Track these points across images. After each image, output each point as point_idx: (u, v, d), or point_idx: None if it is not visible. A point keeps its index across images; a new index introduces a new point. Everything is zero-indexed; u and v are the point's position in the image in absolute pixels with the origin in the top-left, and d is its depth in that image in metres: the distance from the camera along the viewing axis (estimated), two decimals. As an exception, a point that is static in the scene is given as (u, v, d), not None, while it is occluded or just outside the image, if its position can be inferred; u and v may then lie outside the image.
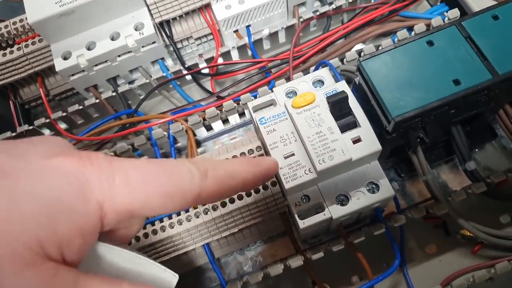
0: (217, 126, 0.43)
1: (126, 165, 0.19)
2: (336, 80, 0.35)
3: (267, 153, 0.34)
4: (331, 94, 0.32)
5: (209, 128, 0.43)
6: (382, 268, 0.37)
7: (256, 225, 0.36)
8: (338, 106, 0.31)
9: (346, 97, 0.31)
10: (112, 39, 0.41)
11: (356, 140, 0.31)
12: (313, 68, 0.39)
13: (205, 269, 0.39)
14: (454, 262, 0.37)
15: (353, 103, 0.32)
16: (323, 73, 0.36)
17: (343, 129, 0.31)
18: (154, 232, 0.34)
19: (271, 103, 0.35)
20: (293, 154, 0.31)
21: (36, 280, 0.16)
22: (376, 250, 0.36)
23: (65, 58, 0.41)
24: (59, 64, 0.41)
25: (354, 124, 0.31)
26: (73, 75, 0.42)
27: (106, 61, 0.42)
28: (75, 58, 0.41)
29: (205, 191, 0.20)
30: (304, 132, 0.30)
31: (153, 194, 0.19)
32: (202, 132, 0.43)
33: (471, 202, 0.36)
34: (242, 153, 0.36)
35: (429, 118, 0.29)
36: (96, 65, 0.42)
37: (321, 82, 0.36)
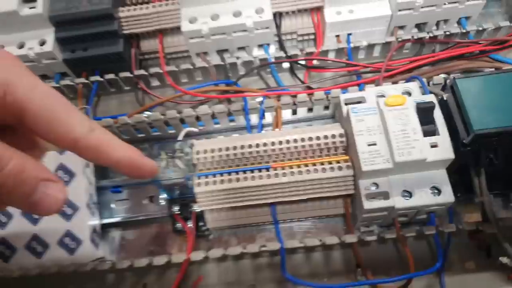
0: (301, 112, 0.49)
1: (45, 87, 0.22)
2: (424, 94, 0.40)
3: (349, 140, 0.39)
4: (420, 102, 0.37)
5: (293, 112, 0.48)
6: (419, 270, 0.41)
7: (319, 199, 0.41)
8: (424, 113, 0.36)
9: (433, 107, 0.36)
10: (234, 15, 0.48)
11: (434, 146, 0.35)
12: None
13: (261, 229, 0.44)
14: (489, 284, 0.40)
15: (437, 115, 0.36)
16: (413, 86, 0.40)
17: (425, 134, 0.35)
18: (237, 179, 0.39)
19: (361, 100, 0.40)
20: (375, 144, 0.36)
21: None
22: (417, 254, 0.39)
23: (190, 22, 0.48)
24: (185, 26, 0.48)
25: (434, 133, 0.36)
26: (192, 38, 0.49)
27: (223, 34, 0.48)
28: (199, 24, 0.47)
29: (83, 140, 0.22)
30: (391, 126, 0.35)
31: (50, 109, 0.21)
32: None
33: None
34: (318, 137, 0.40)
35: (507, 140, 0.33)
36: (214, 34, 0.48)
37: (409, 94, 0.40)
